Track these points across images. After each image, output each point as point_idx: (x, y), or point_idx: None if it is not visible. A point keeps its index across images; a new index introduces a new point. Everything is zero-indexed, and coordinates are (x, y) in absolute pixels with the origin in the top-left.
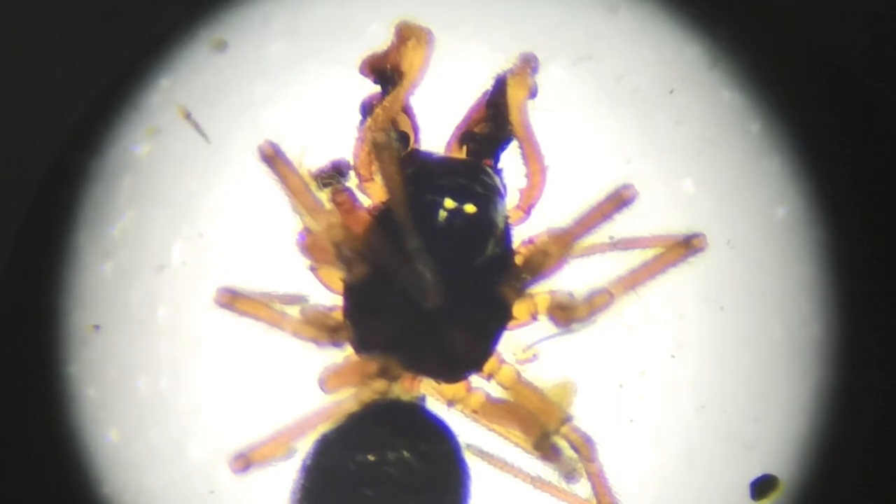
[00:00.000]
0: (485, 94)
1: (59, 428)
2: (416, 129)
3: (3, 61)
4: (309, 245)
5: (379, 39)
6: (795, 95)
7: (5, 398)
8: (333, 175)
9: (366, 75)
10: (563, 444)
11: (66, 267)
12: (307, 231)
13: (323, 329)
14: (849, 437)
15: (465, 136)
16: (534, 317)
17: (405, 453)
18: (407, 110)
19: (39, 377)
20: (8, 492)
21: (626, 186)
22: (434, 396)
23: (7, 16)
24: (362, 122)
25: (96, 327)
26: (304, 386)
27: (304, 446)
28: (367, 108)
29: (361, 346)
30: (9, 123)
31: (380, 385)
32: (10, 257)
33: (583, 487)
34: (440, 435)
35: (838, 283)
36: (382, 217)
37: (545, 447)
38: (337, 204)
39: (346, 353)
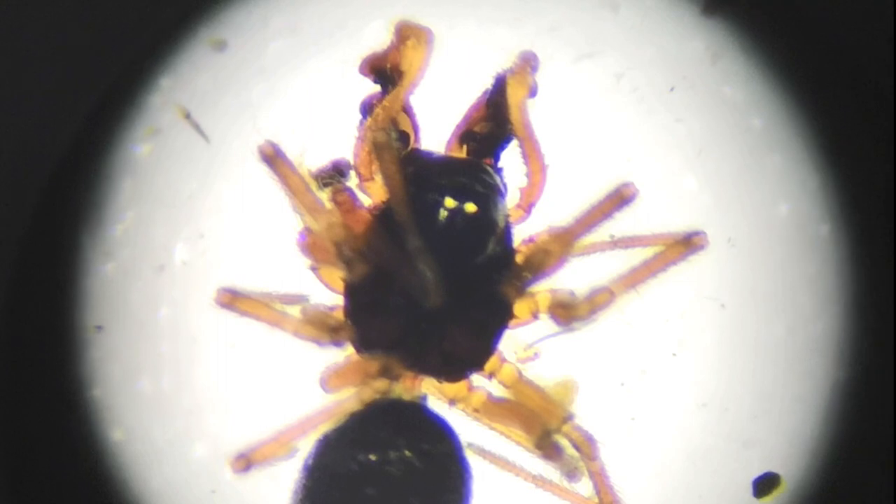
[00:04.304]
0: (485, 93)
1: (62, 427)
2: (416, 129)
3: (3, 63)
4: (309, 245)
5: (379, 39)
6: (805, 90)
7: (11, 399)
8: (334, 175)
9: (366, 75)
10: (564, 442)
11: (70, 268)
12: (308, 231)
13: (324, 329)
14: (851, 435)
15: (466, 135)
16: (535, 315)
17: (407, 452)
18: (407, 110)
19: (44, 378)
20: (15, 489)
21: (627, 185)
22: (435, 395)
23: (7, 17)
24: (362, 122)
25: (99, 328)
26: (305, 386)
27: (306, 446)
28: (367, 108)
29: (363, 346)
30: (9, 125)
31: (381, 384)
32: (15, 259)
33: (584, 486)
34: (442, 434)
35: (840, 281)
36: (383, 216)
37: (547, 446)
38: (337, 203)
39: (347, 352)
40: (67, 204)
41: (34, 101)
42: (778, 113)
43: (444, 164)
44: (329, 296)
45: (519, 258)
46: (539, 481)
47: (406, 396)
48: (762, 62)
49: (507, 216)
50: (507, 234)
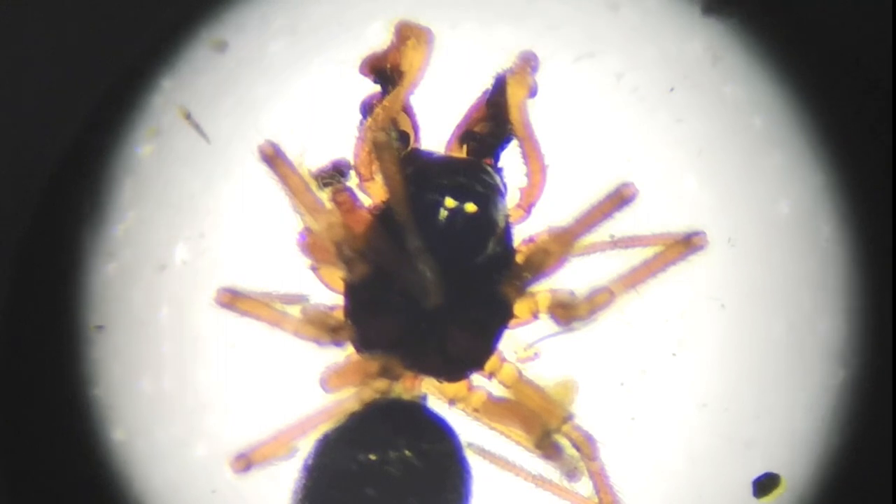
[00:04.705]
0: (485, 93)
1: (63, 427)
2: (416, 129)
3: (5, 63)
4: (310, 245)
5: (379, 39)
6: (806, 89)
7: (12, 399)
8: (334, 175)
9: (366, 75)
10: (564, 442)
11: (71, 268)
12: (308, 231)
13: (324, 328)
14: (851, 435)
15: (466, 135)
16: (535, 315)
17: (407, 452)
18: (407, 110)
19: (45, 377)
20: (15, 489)
21: (627, 185)
22: (435, 395)
23: (9, 18)
24: (362, 122)
25: (100, 327)
26: (305, 385)
27: (306, 446)
28: (368, 108)
29: (363, 346)
30: (11, 125)
31: (381, 384)
32: (17, 259)
33: (584, 486)
34: (441, 434)
35: (841, 280)
36: (383, 216)
37: (547, 445)
38: (337, 203)
39: (347, 352)
40: (69, 204)
41: (36, 101)
42: (778, 112)
43: (444, 164)
44: (329, 296)
45: (519, 258)
46: (539, 481)
47: (406, 396)
48: (763, 61)
49: (507, 216)
50: (507, 234)
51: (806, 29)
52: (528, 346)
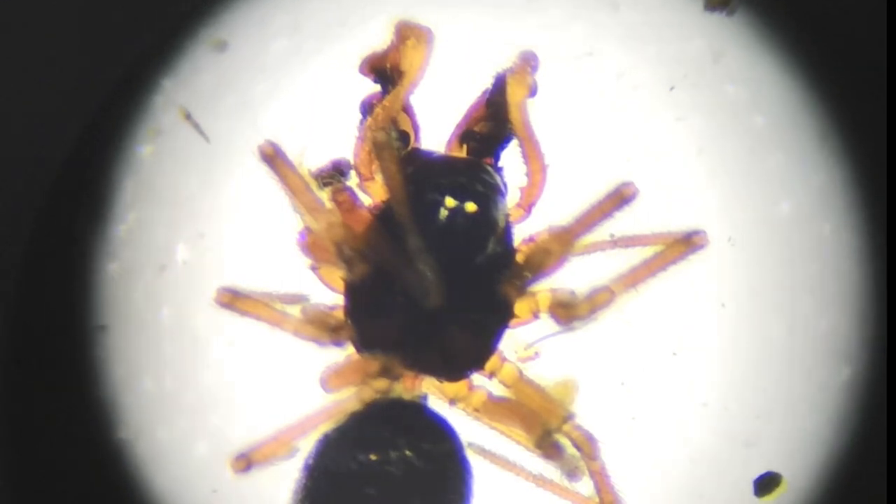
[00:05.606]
0: (485, 92)
1: (66, 427)
2: (416, 128)
3: (6, 65)
4: (310, 244)
5: (379, 38)
6: (806, 88)
7: (14, 399)
8: (334, 174)
9: (366, 75)
10: (565, 442)
11: (73, 268)
12: (308, 230)
13: (324, 328)
14: (851, 434)
15: (466, 134)
16: (535, 315)
17: (407, 452)
18: (407, 109)
19: (47, 377)
20: (18, 488)
21: (627, 184)
22: (436, 395)
23: (10, 20)
24: (362, 122)
25: (102, 327)
26: (305, 385)
27: (307, 445)
28: (368, 108)
29: (363, 345)
30: (13, 126)
31: (381, 384)
32: (20, 260)
33: (585, 485)
34: (442, 434)
35: (841, 280)
36: (383, 216)
37: (547, 445)
38: (337, 203)
39: (347, 352)
40: (71, 205)
41: (37, 103)
42: (780, 111)
43: (444, 164)
44: (329, 296)
45: (519, 257)
46: (539, 481)
47: (406, 396)
48: (764, 59)
49: (508, 215)
50: (507, 234)
51: (807, 26)
52: (528, 345)
